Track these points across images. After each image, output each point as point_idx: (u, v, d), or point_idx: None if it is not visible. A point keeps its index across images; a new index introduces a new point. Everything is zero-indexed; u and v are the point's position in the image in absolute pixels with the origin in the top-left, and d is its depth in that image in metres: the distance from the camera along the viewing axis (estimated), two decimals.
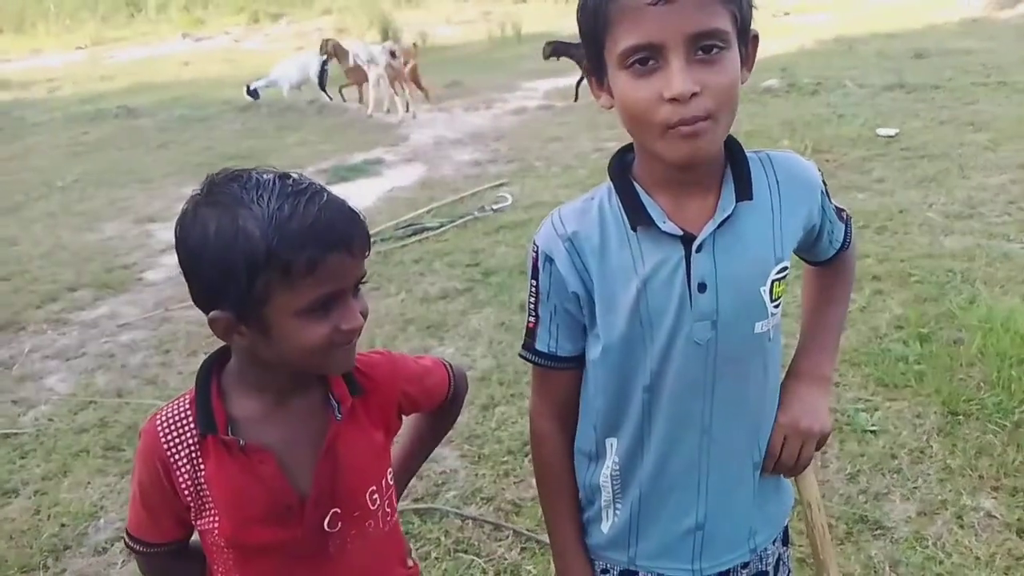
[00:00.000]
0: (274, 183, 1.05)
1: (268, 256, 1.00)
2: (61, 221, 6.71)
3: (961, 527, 2.35)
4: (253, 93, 10.86)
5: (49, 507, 2.90)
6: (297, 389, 1.16)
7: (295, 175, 1.09)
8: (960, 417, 2.79)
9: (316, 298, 1.05)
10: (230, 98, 11.23)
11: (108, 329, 4.43)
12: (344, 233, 1.05)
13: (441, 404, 1.37)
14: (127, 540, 1.24)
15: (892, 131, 6.26)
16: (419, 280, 4.60)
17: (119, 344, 4.21)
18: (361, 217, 1.10)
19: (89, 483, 3.01)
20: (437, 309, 4.18)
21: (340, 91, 11.07)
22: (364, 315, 1.13)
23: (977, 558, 2.23)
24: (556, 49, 9.67)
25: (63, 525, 2.80)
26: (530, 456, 2.87)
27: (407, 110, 9.65)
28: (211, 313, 1.07)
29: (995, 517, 2.37)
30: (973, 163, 5.42)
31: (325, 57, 10.99)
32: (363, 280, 1.12)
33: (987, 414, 2.78)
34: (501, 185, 6.29)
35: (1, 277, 5.40)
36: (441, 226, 5.43)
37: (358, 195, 6.54)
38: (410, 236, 5.33)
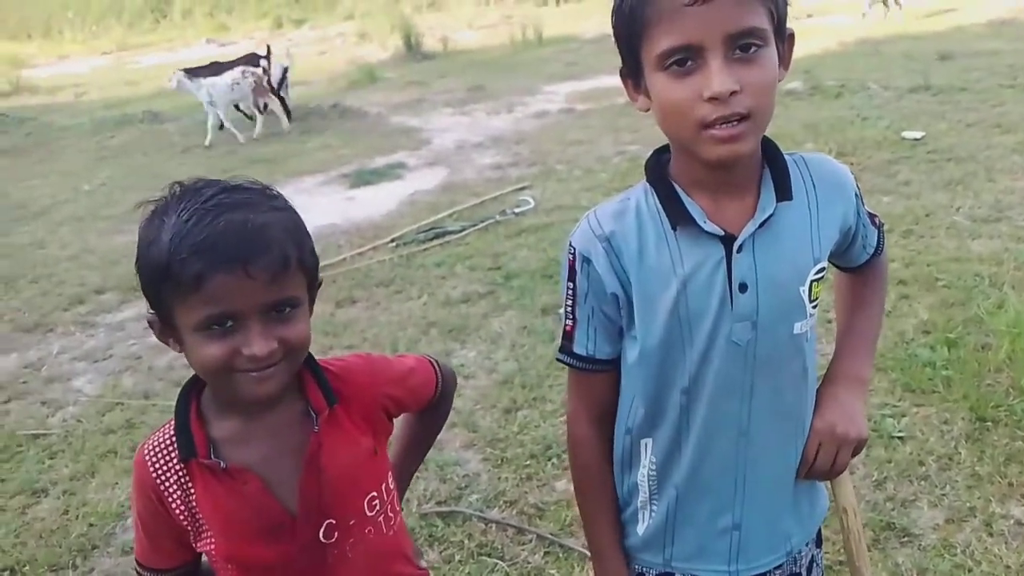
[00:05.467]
0: (207, 195, 1.04)
1: (166, 267, 1.01)
2: (88, 225, 6.80)
3: (990, 535, 2.31)
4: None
5: (77, 507, 2.94)
6: (272, 405, 1.14)
7: (247, 188, 1.09)
8: (988, 423, 2.75)
9: (205, 317, 1.02)
10: None
11: (135, 331, 4.47)
12: (239, 254, 1.01)
13: (429, 402, 1.35)
14: (137, 568, 1.24)
15: (918, 134, 6.18)
16: (441, 283, 4.61)
17: (146, 346, 4.26)
18: (280, 239, 1.05)
19: (116, 484, 3.05)
20: (459, 312, 4.19)
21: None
22: (287, 343, 1.07)
23: (1007, 567, 2.20)
24: (187, 74, 9.97)
25: (91, 525, 2.84)
26: (552, 460, 2.89)
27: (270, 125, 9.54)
28: (147, 314, 1.10)
29: None
30: (1000, 166, 5.34)
31: (287, 64, 10.83)
32: (279, 307, 1.06)
33: (1016, 420, 2.74)
34: (523, 188, 6.29)
35: (29, 280, 5.49)
36: (463, 229, 5.43)
37: (380, 199, 6.59)
38: (432, 239, 5.34)
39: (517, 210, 5.71)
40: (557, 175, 6.62)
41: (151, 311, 1.09)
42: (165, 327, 1.09)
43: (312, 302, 1.15)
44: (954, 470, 2.58)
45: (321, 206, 6.44)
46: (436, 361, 1.38)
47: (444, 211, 5.93)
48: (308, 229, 1.14)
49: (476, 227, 5.46)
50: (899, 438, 2.74)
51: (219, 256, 1.00)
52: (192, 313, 1.03)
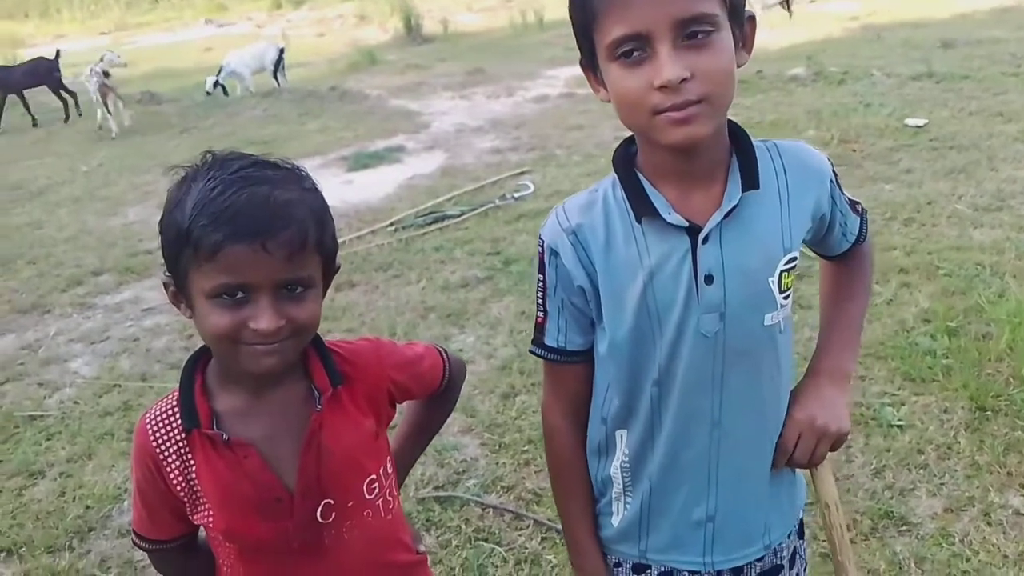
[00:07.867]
0: (235, 167, 1.05)
1: (186, 233, 1.02)
2: (85, 206, 6.78)
3: (988, 524, 2.31)
4: (220, 88, 10.79)
5: (74, 489, 2.93)
6: (277, 381, 1.14)
7: (278, 165, 1.09)
8: (988, 413, 2.75)
9: (217, 285, 1.03)
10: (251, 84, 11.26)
11: (132, 313, 4.47)
12: (259, 227, 1.01)
13: (436, 391, 1.35)
14: (134, 538, 1.24)
15: (920, 121, 6.16)
16: (440, 268, 4.60)
17: (143, 328, 4.25)
18: (300, 218, 1.04)
19: (113, 466, 3.04)
20: (458, 297, 4.18)
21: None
22: (295, 322, 1.06)
23: (1005, 556, 2.20)
24: None
25: (88, 507, 2.83)
26: None
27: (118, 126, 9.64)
28: (163, 276, 1.11)
29: (1023, 515, 2.33)
30: (1003, 154, 5.32)
31: (282, 46, 10.93)
32: (291, 285, 1.06)
33: (1016, 410, 2.73)
34: (522, 173, 6.27)
35: (27, 261, 5.48)
36: (462, 214, 5.41)
37: (379, 182, 6.57)
38: (431, 224, 5.32)
39: (516, 195, 5.69)
40: (557, 160, 6.59)
41: (167, 274, 1.10)
42: (179, 291, 1.10)
43: (327, 286, 1.15)
44: (953, 459, 2.58)
45: None
46: (445, 351, 1.37)
47: (443, 195, 5.91)
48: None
49: (475, 211, 5.43)
50: (898, 427, 2.74)
51: (239, 227, 1.00)
52: (206, 280, 1.03)
